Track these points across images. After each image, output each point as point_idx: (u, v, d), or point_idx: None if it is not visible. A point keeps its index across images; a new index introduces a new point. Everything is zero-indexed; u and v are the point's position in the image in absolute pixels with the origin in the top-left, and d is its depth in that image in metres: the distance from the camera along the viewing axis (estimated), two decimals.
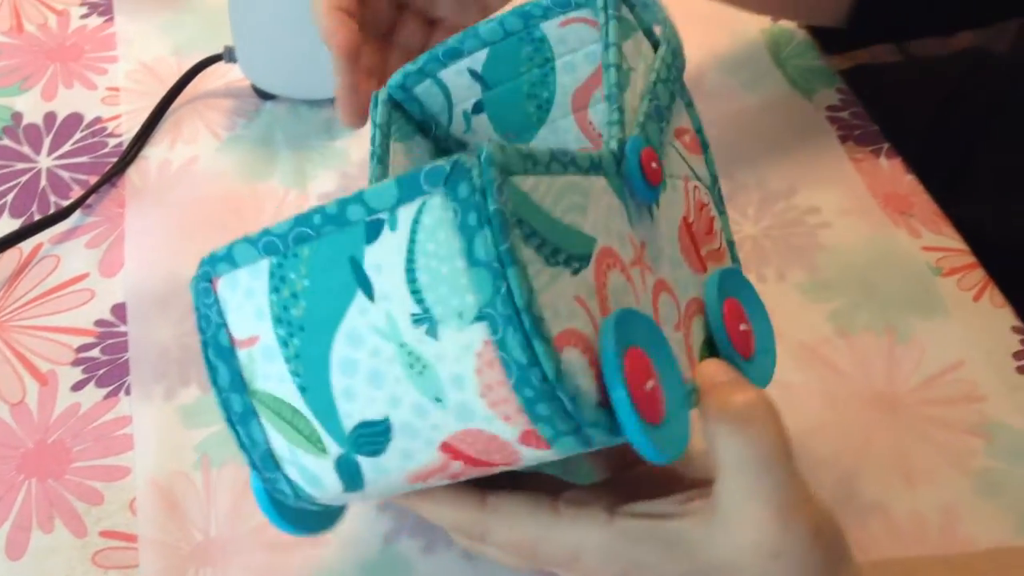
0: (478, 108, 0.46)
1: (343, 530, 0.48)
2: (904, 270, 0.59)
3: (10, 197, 0.61)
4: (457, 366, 0.31)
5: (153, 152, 0.64)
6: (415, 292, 0.31)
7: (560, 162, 0.33)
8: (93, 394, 0.53)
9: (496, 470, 0.35)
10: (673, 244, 0.39)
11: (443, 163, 0.31)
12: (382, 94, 0.46)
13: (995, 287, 0.58)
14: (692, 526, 0.36)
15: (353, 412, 0.33)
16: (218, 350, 0.35)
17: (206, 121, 0.66)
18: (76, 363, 0.54)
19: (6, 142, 0.64)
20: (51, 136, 0.65)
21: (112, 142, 0.64)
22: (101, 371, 0.53)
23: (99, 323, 0.55)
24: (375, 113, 0.45)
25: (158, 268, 0.57)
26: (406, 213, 0.31)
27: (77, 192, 0.61)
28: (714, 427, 0.35)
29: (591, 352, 0.32)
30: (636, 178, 0.37)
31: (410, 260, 0.31)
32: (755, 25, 0.73)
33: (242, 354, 0.35)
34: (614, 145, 0.37)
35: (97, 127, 0.65)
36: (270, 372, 0.34)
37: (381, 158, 0.44)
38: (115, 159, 0.63)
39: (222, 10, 0.71)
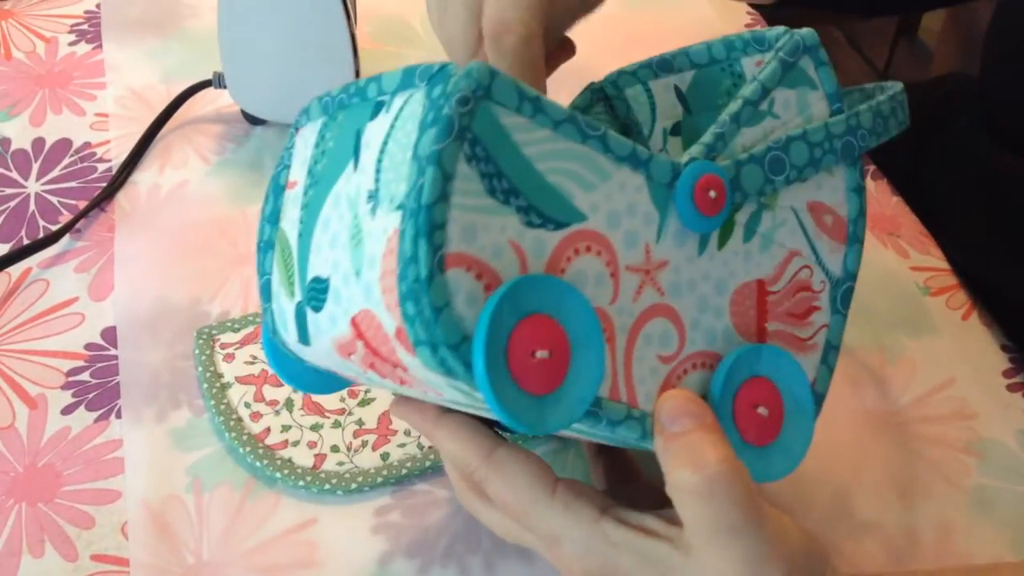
0: (676, 130, 0.46)
1: (336, 552, 0.48)
2: (893, 290, 0.59)
3: None
4: (375, 246, 0.33)
5: (142, 177, 0.64)
6: (377, 171, 0.34)
7: (579, 130, 0.34)
8: (83, 417, 0.52)
9: (397, 376, 0.35)
10: (722, 292, 0.38)
11: (437, 64, 0.33)
12: (594, 84, 0.46)
13: (982, 307, 0.58)
14: (671, 552, 0.37)
15: (315, 266, 0.37)
16: (275, 187, 0.40)
17: (195, 146, 0.66)
18: (66, 387, 0.53)
19: None
20: (40, 161, 0.64)
21: (101, 167, 0.64)
22: (91, 395, 0.53)
23: (89, 347, 0.55)
24: (576, 99, 0.45)
25: (148, 292, 0.57)
26: (399, 100, 0.34)
27: (66, 217, 0.61)
28: (675, 487, 0.36)
29: (490, 290, 0.33)
30: (681, 197, 0.36)
31: (384, 142, 0.34)
32: None
33: (287, 194, 0.40)
34: (685, 159, 0.37)
35: (86, 152, 0.65)
36: (291, 214, 0.39)
37: None
38: (104, 184, 0.63)
39: (209, 37, 0.72)
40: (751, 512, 0.35)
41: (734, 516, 0.35)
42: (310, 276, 0.37)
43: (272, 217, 0.40)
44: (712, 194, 0.37)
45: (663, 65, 0.44)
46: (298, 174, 0.39)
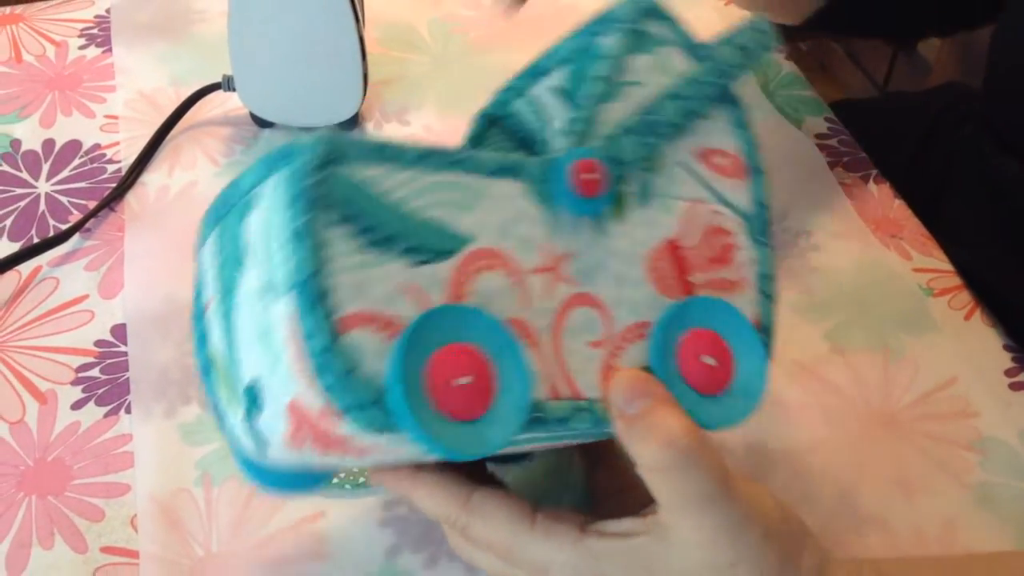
0: (572, 127, 0.46)
1: (344, 544, 0.48)
2: (896, 290, 0.60)
3: (9, 221, 0.61)
4: (281, 334, 0.33)
5: (151, 178, 0.64)
6: (265, 261, 0.34)
7: (440, 160, 0.35)
8: (93, 412, 0.52)
9: (352, 450, 0.35)
10: (634, 263, 0.38)
11: (285, 146, 0.34)
12: (482, 110, 0.45)
13: (984, 307, 0.59)
14: (650, 544, 0.38)
15: (245, 374, 0.36)
16: (197, 312, 0.39)
17: (204, 148, 0.66)
18: (76, 382, 0.54)
19: (5, 168, 0.64)
20: (50, 162, 0.65)
21: (111, 168, 0.65)
22: (101, 390, 0.53)
23: (99, 343, 0.55)
24: (469, 129, 0.45)
25: (158, 290, 0.58)
26: (265, 190, 0.34)
27: (76, 216, 0.62)
28: (647, 466, 0.36)
29: (394, 338, 0.33)
30: (559, 188, 0.37)
31: (263, 233, 0.34)
32: None
33: (207, 315, 0.38)
34: (555, 152, 0.37)
35: (96, 154, 0.66)
36: (216, 332, 0.37)
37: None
38: (114, 185, 0.63)
39: (218, 42, 0.72)
40: (723, 480, 0.36)
41: (708, 485, 0.36)
42: (242, 386, 0.37)
43: (201, 342, 0.39)
44: (590, 176, 0.37)
45: (537, 70, 0.43)
46: (210, 291, 0.38)
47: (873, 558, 0.44)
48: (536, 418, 0.35)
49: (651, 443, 0.35)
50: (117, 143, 0.66)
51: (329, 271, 0.32)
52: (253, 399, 0.36)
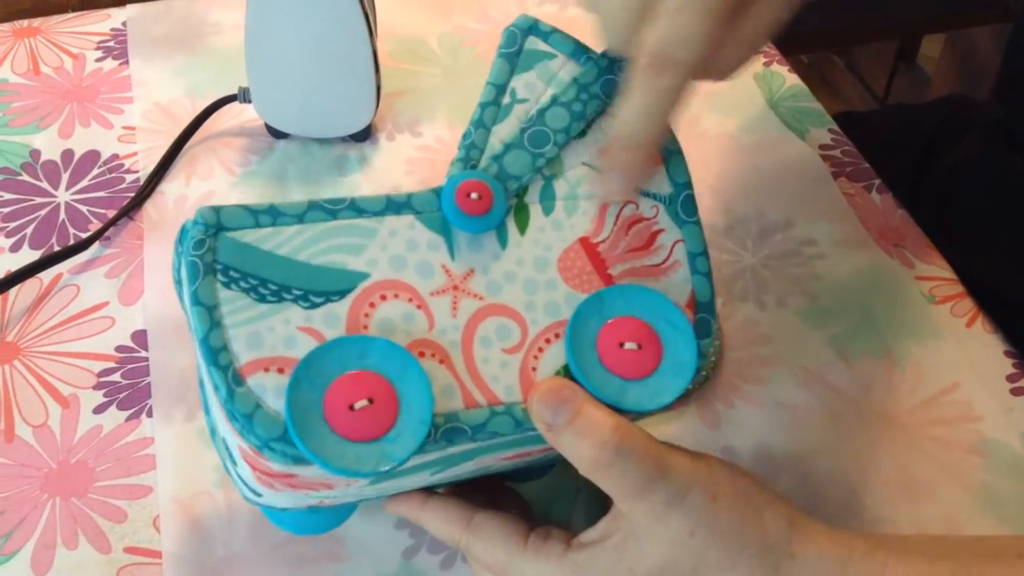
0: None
1: (362, 545, 0.49)
2: (899, 298, 0.61)
3: (30, 230, 0.63)
4: (208, 390, 0.37)
5: (169, 187, 0.65)
6: (193, 333, 0.36)
7: (325, 211, 0.38)
8: (115, 416, 0.54)
9: (308, 484, 0.38)
10: (545, 268, 0.39)
11: (183, 225, 0.38)
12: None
13: (986, 315, 0.60)
14: (619, 540, 0.39)
15: (219, 430, 0.40)
16: (199, 381, 0.43)
17: (220, 158, 0.68)
18: (97, 387, 0.55)
19: (25, 177, 0.66)
20: (69, 172, 0.66)
21: (129, 178, 0.66)
22: (122, 395, 0.55)
23: (120, 349, 0.57)
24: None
25: (177, 297, 0.59)
26: (181, 268, 0.38)
27: (95, 225, 0.63)
28: (587, 469, 0.38)
29: None
30: (449, 211, 0.39)
31: (188, 310, 0.37)
32: (748, 70, 0.76)
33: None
34: (450, 182, 0.39)
35: (114, 163, 0.67)
36: (207, 397, 0.41)
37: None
38: (132, 194, 0.65)
39: (232, 54, 0.74)
40: (657, 460, 0.37)
41: (647, 469, 0.37)
42: (221, 439, 0.40)
43: (205, 409, 0.43)
44: (474, 195, 0.39)
45: (480, 123, 0.43)
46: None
47: (868, 532, 0.45)
48: (453, 427, 0.37)
49: (583, 448, 0.37)
50: (135, 153, 0.67)
51: (223, 327, 0.35)
52: (228, 452, 0.40)
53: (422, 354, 0.37)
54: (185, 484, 0.51)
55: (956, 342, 0.59)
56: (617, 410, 0.38)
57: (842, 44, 1.72)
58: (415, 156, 0.68)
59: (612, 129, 0.40)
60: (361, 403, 0.35)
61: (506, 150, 0.40)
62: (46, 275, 0.60)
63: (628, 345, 0.39)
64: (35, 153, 0.67)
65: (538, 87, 0.42)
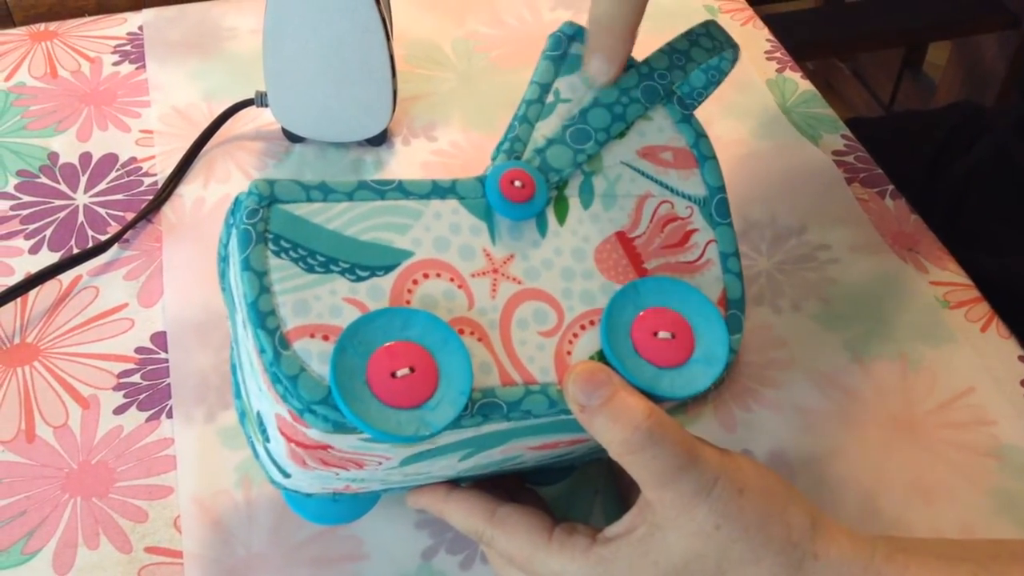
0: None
1: (382, 546, 0.49)
2: (913, 302, 0.61)
3: (49, 232, 0.63)
4: (253, 357, 0.38)
5: (187, 190, 0.66)
6: (242, 299, 0.37)
7: (374, 190, 0.40)
8: (135, 417, 0.54)
9: (342, 460, 0.39)
10: (582, 257, 0.41)
11: (236, 198, 0.39)
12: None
13: (1000, 319, 0.60)
14: (645, 532, 0.39)
15: (254, 407, 0.41)
16: (232, 365, 0.45)
17: (237, 162, 0.68)
18: (117, 388, 0.55)
19: (44, 180, 0.66)
20: (87, 175, 0.67)
21: (147, 181, 0.66)
22: (142, 395, 0.55)
23: (139, 350, 0.57)
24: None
25: (196, 299, 0.59)
26: (231, 241, 0.39)
27: (114, 228, 0.63)
28: (618, 452, 0.38)
29: None
30: (493, 198, 0.40)
31: (238, 276, 0.38)
32: (760, 76, 0.77)
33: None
34: (494, 171, 0.41)
35: (132, 167, 0.67)
36: (240, 378, 0.43)
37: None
38: (150, 197, 0.65)
39: (249, 59, 0.74)
40: (689, 449, 0.38)
41: (676, 457, 0.37)
42: (255, 418, 0.41)
43: (236, 392, 0.45)
44: (518, 183, 0.40)
45: (524, 118, 0.44)
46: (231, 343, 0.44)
47: (889, 535, 0.45)
48: (490, 403, 0.38)
49: (616, 431, 0.37)
50: (153, 156, 0.68)
51: (272, 293, 0.37)
52: (263, 428, 0.40)
53: (461, 331, 0.38)
54: (205, 484, 0.51)
55: (971, 347, 0.59)
56: (650, 396, 0.39)
57: (848, 51, 1.72)
58: (430, 160, 0.69)
59: (590, 12, 0.43)
60: (403, 371, 0.36)
61: (549, 144, 0.42)
62: (65, 277, 0.60)
63: (662, 334, 0.40)
64: (53, 156, 0.68)
65: (580, 89, 0.43)
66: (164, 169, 0.67)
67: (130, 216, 0.64)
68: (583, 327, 0.40)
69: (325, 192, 0.39)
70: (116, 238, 0.62)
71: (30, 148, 0.68)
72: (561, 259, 0.41)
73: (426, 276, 0.39)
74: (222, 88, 0.73)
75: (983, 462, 0.54)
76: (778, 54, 0.79)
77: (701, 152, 0.44)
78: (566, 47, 0.44)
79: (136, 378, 0.56)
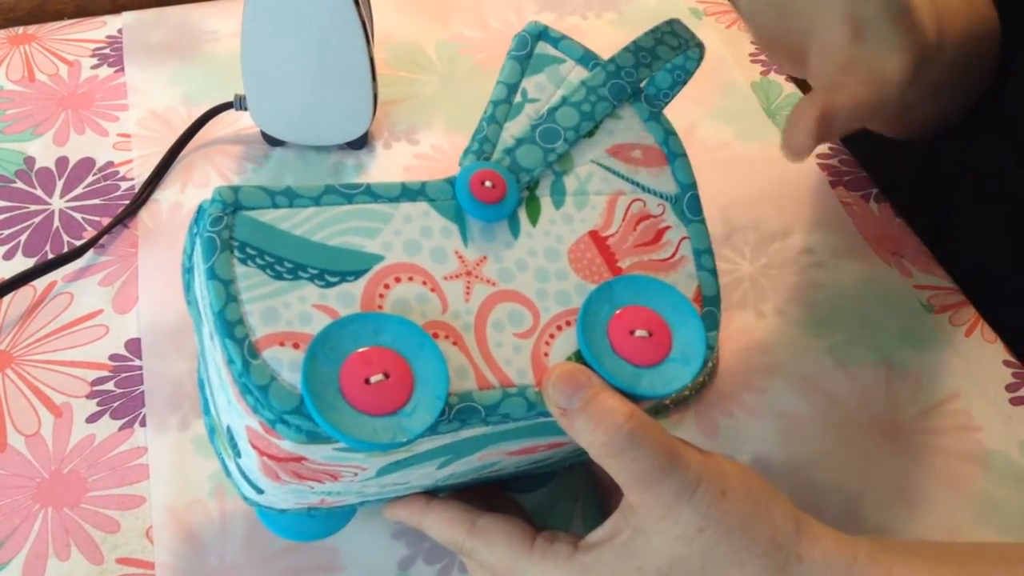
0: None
1: (358, 556, 0.49)
2: (897, 307, 0.61)
3: (23, 237, 0.62)
4: (219, 368, 0.38)
5: (164, 195, 0.65)
6: (208, 308, 0.37)
7: (341, 195, 0.39)
8: (108, 425, 0.53)
9: (315, 473, 0.39)
10: (556, 258, 0.40)
11: (199, 205, 0.38)
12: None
13: (986, 323, 0.60)
14: (630, 536, 0.39)
15: (223, 422, 0.40)
16: (199, 381, 0.45)
17: (216, 166, 0.67)
18: (91, 396, 0.54)
19: (19, 185, 0.65)
20: (63, 179, 0.66)
21: (124, 185, 0.66)
22: (116, 403, 0.54)
23: (113, 357, 0.56)
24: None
25: (171, 305, 0.58)
26: (196, 251, 0.38)
27: (90, 233, 0.62)
28: (599, 454, 0.38)
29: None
30: (464, 199, 0.40)
31: (204, 285, 0.37)
32: (745, 79, 0.76)
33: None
34: (464, 172, 0.40)
35: (109, 171, 0.66)
36: (208, 393, 0.42)
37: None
38: (127, 202, 0.64)
39: (229, 62, 0.73)
40: (670, 450, 0.37)
41: (660, 459, 0.37)
42: (225, 433, 0.40)
43: (205, 408, 0.44)
44: (488, 184, 0.40)
45: (492, 119, 0.44)
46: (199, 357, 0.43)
47: (873, 537, 0.45)
48: (467, 407, 0.37)
49: (597, 433, 0.37)
50: (130, 161, 0.67)
51: (239, 302, 0.36)
52: (233, 443, 0.39)
53: (436, 335, 0.38)
54: (179, 494, 0.50)
55: (955, 351, 0.58)
56: (629, 396, 0.38)
57: None
58: (412, 164, 0.68)
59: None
60: (377, 377, 0.36)
61: (518, 144, 0.41)
62: (39, 283, 0.60)
63: (639, 332, 0.39)
64: (29, 160, 0.67)
65: (548, 88, 0.43)
66: (141, 174, 0.66)
67: (106, 221, 0.63)
68: (559, 328, 0.39)
69: (291, 197, 0.38)
70: (91, 243, 0.61)
71: (6, 152, 0.67)
72: (535, 260, 0.40)
73: (398, 280, 0.38)
74: (202, 91, 0.72)
75: (967, 468, 0.53)
76: (763, 57, 0.78)
77: (671, 149, 0.44)
78: (532, 47, 0.43)
79: (110, 386, 0.55)
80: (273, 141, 0.68)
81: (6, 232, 0.62)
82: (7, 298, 0.59)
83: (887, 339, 0.59)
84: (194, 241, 0.39)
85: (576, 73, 0.43)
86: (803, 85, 0.76)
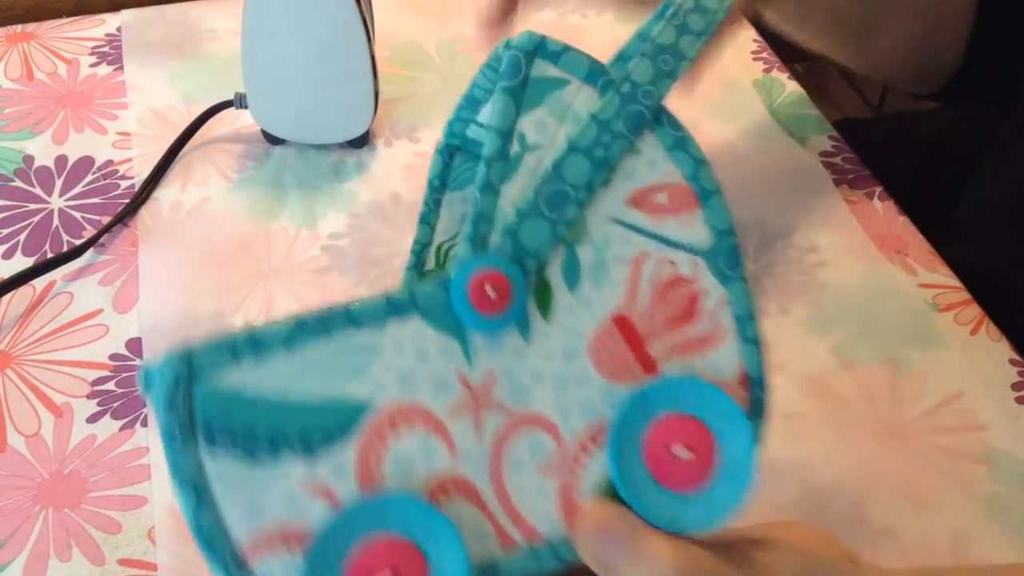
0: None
1: None
2: (902, 306, 0.60)
3: (23, 236, 0.62)
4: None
5: (164, 194, 0.65)
6: (186, 518, 0.32)
7: (317, 327, 0.32)
8: (109, 426, 0.53)
9: None
10: (575, 358, 0.34)
11: (144, 370, 0.31)
12: (440, 146, 0.42)
13: (991, 322, 0.60)
14: None
15: None
16: None
17: (216, 164, 0.67)
18: (91, 396, 0.54)
19: (18, 184, 0.65)
20: (63, 178, 0.65)
21: (124, 184, 0.65)
22: (116, 403, 0.54)
23: (114, 357, 0.56)
24: (432, 169, 0.41)
25: (172, 304, 0.58)
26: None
27: (89, 232, 0.62)
28: None
29: (304, 548, 0.31)
30: (464, 312, 0.33)
31: (172, 485, 0.31)
32: (747, 77, 0.76)
33: None
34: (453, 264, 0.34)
35: (108, 170, 0.66)
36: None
37: (426, 217, 0.41)
38: (127, 200, 0.64)
39: (229, 60, 0.73)
40: None
41: None
42: None
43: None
44: (490, 291, 0.33)
45: (473, 101, 0.40)
46: None
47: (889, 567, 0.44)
48: None
49: None
50: (130, 159, 0.67)
51: (213, 504, 0.31)
52: None
53: (446, 493, 0.33)
54: None
55: (960, 350, 0.58)
56: (672, 531, 0.33)
57: None
58: (413, 162, 0.68)
59: None
60: (384, 573, 0.31)
61: (520, 220, 0.34)
62: (39, 282, 0.59)
63: (679, 450, 0.33)
64: (28, 159, 0.66)
65: (550, 126, 0.35)
66: (141, 172, 0.66)
67: (106, 220, 0.62)
68: (585, 448, 0.34)
69: (256, 348, 0.31)
70: (91, 242, 0.61)
71: (5, 151, 0.67)
72: (551, 365, 0.34)
73: (394, 427, 0.32)
74: (201, 90, 0.72)
75: (974, 468, 0.53)
76: (765, 54, 0.78)
77: (702, 186, 0.35)
78: (526, 70, 0.35)
79: (110, 385, 0.55)
80: (273, 139, 0.68)
81: (5, 231, 0.62)
82: (6, 298, 0.58)
83: (892, 338, 0.59)
84: (155, 407, 0.32)
85: (583, 99, 0.35)
86: (807, 83, 0.76)
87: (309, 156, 0.68)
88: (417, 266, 0.40)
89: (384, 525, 0.31)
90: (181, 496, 0.31)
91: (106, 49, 0.75)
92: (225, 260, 0.61)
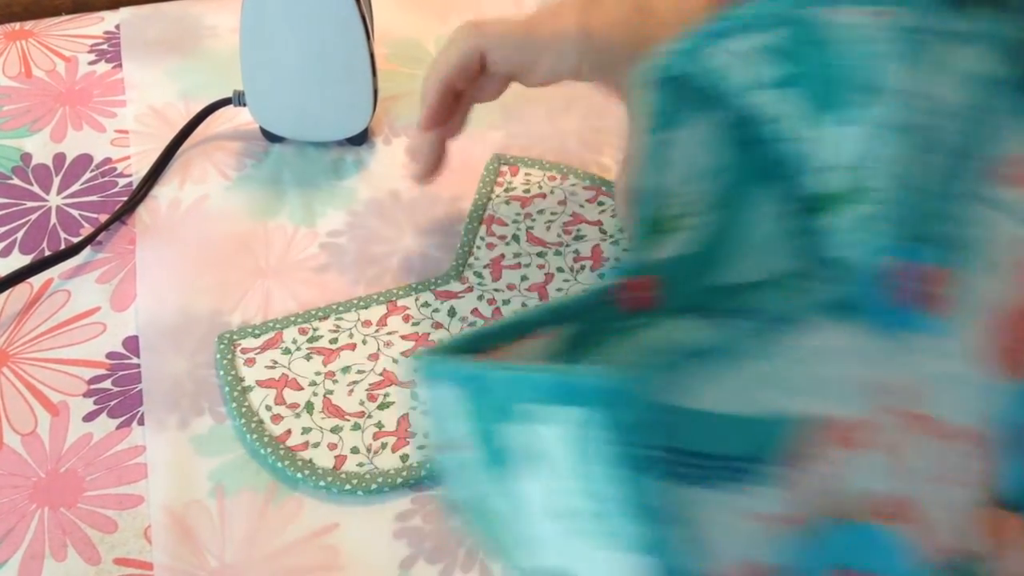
0: (789, 81, 0.32)
1: (359, 555, 0.48)
2: None
3: (20, 234, 0.61)
4: None
5: (163, 191, 0.64)
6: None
7: (753, 331, 0.27)
8: (105, 424, 0.52)
9: None
10: (960, 356, 0.29)
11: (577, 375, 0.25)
12: (650, 74, 0.33)
13: None
14: None
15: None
16: None
17: (215, 162, 0.67)
18: (88, 394, 0.54)
19: (15, 181, 0.65)
20: (60, 176, 0.65)
21: (122, 182, 0.65)
22: (113, 402, 0.53)
23: (111, 355, 0.55)
24: (651, 101, 0.33)
25: (170, 302, 0.58)
26: (551, 445, 0.26)
27: (87, 230, 0.62)
28: None
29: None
30: (878, 305, 0.28)
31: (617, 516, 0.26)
32: None
33: None
34: (866, 256, 0.28)
35: (106, 167, 0.66)
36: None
37: (654, 160, 0.33)
38: (125, 198, 0.63)
39: (228, 58, 0.73)
40: None
41: None
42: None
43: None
44: (922, 284, 0.28)
45: (715, 33, 0.33)
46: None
47: None
48: None
49: None
50: (128, 157, 0.66)
51: (696, 545, 0.25)
52: None
53: (892, 517, 0.28)
54: (177, 494, 0.50)
55: None
56: None
57: None
58: None
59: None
60: None
61: (930, 194, 0.28)
62: (36, 280, 0.59)
63: None
64: (26, 156, 0.66)
65: (940, 85, 0.28)
66: (139, 170, 0.65)
67: (104, 218, 0.62)
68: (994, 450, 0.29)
69: (700, 359, 0.26)
70: (89, 240, 0.60)
71: (2, 149, 0.66)
72: (937, 365, 0.29)
73: (836, 447, 0.27)
74: (200, 87, 0.71)
75: None
76: None
77: None
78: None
79: (107, 384, 0.54)
80: (272, 137, 0.68)
81: (2, 229, 0.62)
82: (3, 295, 0.58)
83: None
84: (486, 428, 0.27)
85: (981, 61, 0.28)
86: None
87: (308, 154, 0.67)
88: (652, 221, 0.32)
89: (838, 562, 0.27)
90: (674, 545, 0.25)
91: (105, 46, 0.75)
92: (223, 258, 0.60)
